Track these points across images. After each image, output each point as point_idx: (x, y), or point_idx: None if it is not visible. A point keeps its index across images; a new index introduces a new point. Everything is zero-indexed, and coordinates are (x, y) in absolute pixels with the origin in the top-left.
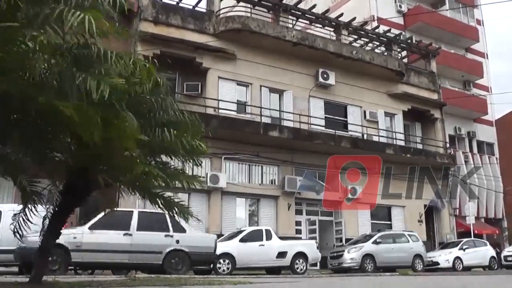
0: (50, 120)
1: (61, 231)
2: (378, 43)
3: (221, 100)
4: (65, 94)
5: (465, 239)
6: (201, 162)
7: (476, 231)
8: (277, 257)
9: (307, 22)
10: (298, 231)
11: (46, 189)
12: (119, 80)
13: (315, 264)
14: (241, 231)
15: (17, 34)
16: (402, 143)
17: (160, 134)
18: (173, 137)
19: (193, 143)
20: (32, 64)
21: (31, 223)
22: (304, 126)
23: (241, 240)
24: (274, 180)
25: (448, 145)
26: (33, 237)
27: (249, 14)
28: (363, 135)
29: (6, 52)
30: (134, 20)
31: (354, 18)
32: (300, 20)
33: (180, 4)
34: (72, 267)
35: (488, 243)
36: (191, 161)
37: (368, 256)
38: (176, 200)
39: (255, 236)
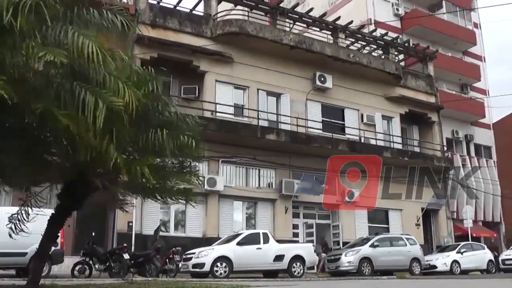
0: (47, 125)
1: (58, 234)
2: (375, 47)
3: (218, 104)
4: (63, 102)
5: (462, 243)
6: (199, 162)
7: (473, 235)
8: (274, 260)
9: (304, 25)
10: (295, 234)
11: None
12: (117, 100)
13: (312, 268)
14: (238, 235)
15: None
16: (399, 146)
17: (155, 135)
18: (168, 138)
19: (188, 144)
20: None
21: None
22: (301, 130)
23: (239, 244)
24: (271, 183)
25: (445, 148)
26: None
27: (246, 18)
28: (360, 138)
29: (6, 61)
30: (131, 23)
31: (351, 22)
32: (297, 23)
33: (178, 8)
34: None
35: (486, 246)
36: (189, 162)
37: (365, 259)
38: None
39: (252, 240)
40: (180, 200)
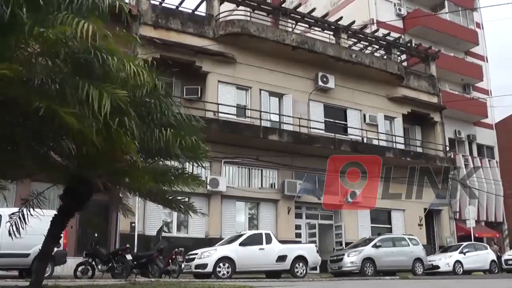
0: (51, 125)
1: (61, 235)
2: (377, 47)
3: (220, 104)
4: (66, 100)
5: (465, 243)
6: (204, 164)
7: (476, 235)
8: (277, 261)
9: (307, 25)
10: (298, 235)
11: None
12: (121, 92)
13: (315, 268)
14: (241, 235)
15: (18, 39)
16: (402, 146)
17: (160, 135)
18: (171, 139)
19: (193, 143)
20: (34, 70)
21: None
22: (303, 130)
23: (241, 244)
24: (274, 184)
25: (448, 148)
26: None
27: (248, 18)
28: (362, 139)
29: (7, 57)
30: (134, 24)
31: (354, 22)
32: (299, 23)
33: (180, 8)
34: None
35: (488, 246)
36: (192, 163)
37: (368, 259)
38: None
39: (255, 240)
40: (180, 209)
